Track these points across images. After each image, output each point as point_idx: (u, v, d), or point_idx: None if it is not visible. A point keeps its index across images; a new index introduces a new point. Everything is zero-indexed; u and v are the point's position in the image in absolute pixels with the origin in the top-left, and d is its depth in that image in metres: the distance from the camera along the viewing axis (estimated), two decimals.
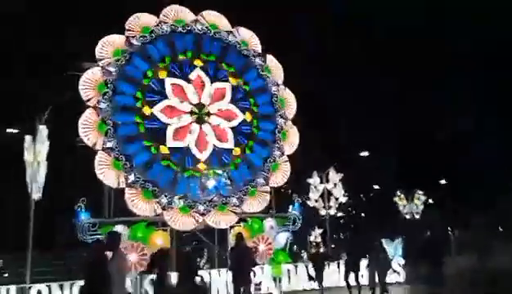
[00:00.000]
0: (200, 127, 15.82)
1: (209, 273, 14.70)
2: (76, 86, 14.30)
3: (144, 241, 14.08)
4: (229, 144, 16.10)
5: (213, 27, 16.74)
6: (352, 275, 14.51)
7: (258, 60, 17.28)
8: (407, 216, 33.36)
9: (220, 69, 16.65)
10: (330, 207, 24.66)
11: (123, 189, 14.15)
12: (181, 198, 14.70)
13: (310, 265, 15.82)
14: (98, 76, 14.50)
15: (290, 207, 17.17)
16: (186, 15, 16.55)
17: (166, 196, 14.49)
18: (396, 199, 33.16)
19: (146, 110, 15.10)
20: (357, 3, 41.52)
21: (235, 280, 11.05)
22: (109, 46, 14.92)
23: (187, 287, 8.34)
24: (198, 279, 8.84)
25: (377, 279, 13.64)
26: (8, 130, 19.93)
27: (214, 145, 15.84)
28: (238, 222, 15.67)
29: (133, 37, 15.32)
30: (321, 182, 24.52)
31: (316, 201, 24.61)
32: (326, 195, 24.61)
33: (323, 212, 24.85)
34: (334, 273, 16.50)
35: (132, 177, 14.19)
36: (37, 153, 15.16)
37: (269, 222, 16.20)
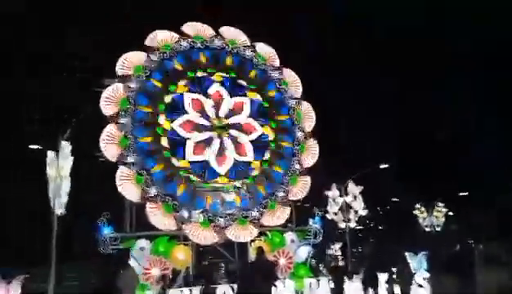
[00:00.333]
0: (220, 141, 15.93)
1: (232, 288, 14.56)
2: (97, 102, 14.58)
3: (166, 255, 14.06)
4: (248, 157, 16.16)
5: (231, 43, 16.98)
6: (370, 291, 14.22)
7: (275, 74, 17.41)
8: (427, 229, 32.80)
9: (238, 84, 16.83)
10: (349, 220, 24.42)
11: (143, 203, 14.25)
12: (202, 212, 14.74)
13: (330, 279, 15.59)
14: (120, 92, 14.77)
15: (310, 220, 17.04)
16: (205, 31, 16.83)
17: (186, 210, 14.53)
18: (416, 212, 32.63)
19: (166, 125, 15.28)
20: (356, 3, 41.55)
21: None
22: (129, 62, 15.23)
23: None
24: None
25: None
26: (31, 146, 20.29)
27: (234, 159, 15.92)
28: (258, 236, 15.60)
29: (153, 53, 15.61)
30: (340, 195, 24.35)
31: (336, 214, 24.40)
32: (345, 208, 24.39)
33: (342, 225, 24.59)
34: (357, 290, 16.18)
35: (152, 191, 14.31)
36: (60, 168, 15.41)
37: (290, 236, 16.09)
